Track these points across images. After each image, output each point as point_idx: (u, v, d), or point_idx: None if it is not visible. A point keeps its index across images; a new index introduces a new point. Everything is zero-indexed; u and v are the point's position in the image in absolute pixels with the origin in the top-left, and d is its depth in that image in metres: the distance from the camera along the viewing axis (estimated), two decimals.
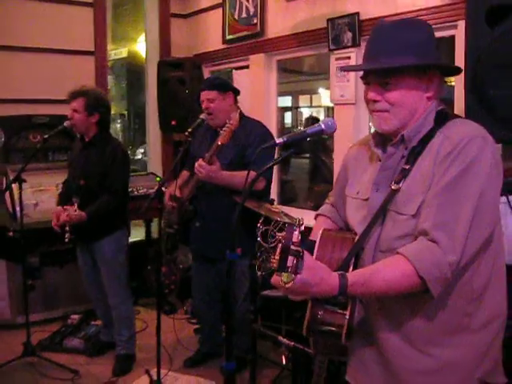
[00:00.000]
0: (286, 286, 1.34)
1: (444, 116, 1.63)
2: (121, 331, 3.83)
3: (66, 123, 3.65)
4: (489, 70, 2.21)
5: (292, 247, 1.33)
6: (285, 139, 1.68)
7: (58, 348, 4.07)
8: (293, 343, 2.93)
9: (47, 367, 3.74)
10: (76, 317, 4.41)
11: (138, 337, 4.05)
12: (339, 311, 1.54)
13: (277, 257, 1.34)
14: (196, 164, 3.29)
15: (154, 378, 3.38)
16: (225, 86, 3.57)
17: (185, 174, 3.78)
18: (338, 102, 4.15)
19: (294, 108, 20.12)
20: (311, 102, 19.23)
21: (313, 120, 8.68)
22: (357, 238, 1.65)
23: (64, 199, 3.71)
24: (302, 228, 1.37)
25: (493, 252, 1.58)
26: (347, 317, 1.53)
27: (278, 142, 1.70)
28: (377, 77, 1.60)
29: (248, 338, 3.23)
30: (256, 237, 3.25)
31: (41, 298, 4.50)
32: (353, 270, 1.58)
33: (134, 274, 4.63)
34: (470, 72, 2.27)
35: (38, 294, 4.47)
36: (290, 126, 16.83)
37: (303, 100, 20.31)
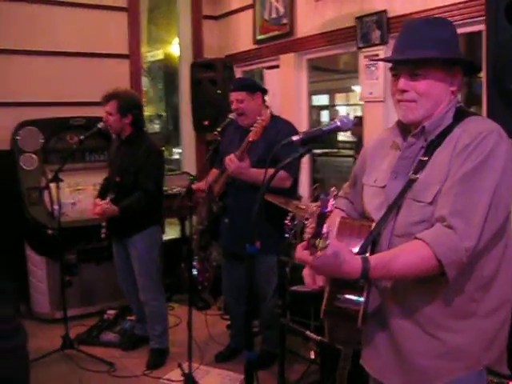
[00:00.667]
0: (319, 253, 1.37)
1: (462, 113, 1.70)
2: (154, 326, 3.94)
3: (99, 125, 3.80)
4: (508, 65, 2.22)
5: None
6: (301, 136, 1.75)
7: (95, 342, 4.20)
8: (320, 338, 2.97)
9: (84, 360, 3.88)
10: (112, 312, 4.53)
11: (172, 332, 4.14)
12: (356, 295, 1.60)
13: (312, 224, 1.37)
14: (227, 158, 3.37)
15: (186, 371, 3.47)
16: (253, 87, 3.63)
17: (214, 172, 3.85)
18: (368, 100, 4.18)
19: (331, 106, 20.01)
20: (348, 100, 19.12)
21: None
22: (374, 224, 1.70)
23: (102, 194, 3.86)
24: (334, 202, 1.39)
25: (504, 242, 1.64)
26: (364, 300, 1.59)
27: (294, 139, 1.76)
28: (406, 68, 1.67)
29: (277, 333, 3.29)
30: (284, 233, 3.33)
31: (78, 293, 4.63)
32: (370, 255, 1.62)
33: (168, 271, 4.74)
34: (491, 67, 2.28)
35: (76, 290, 4.60)
36: None
37: (340, 98, 20.19)
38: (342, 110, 19.12)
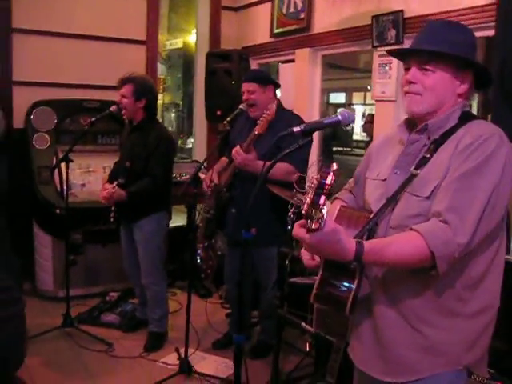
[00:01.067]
0: (313, 226, 1.37)
1: (468, 116, 1.72)
2: (154, 310, 3.98)
3: (112, 108, 3.86)
4: None
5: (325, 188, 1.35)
6: (302, 128, 1.78)
7: (95, 321, 4.26)
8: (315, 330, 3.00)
9: (84, 338, 3.95)
10: (114, 294, 4.59)
11: (172, 317, 4.19)
12: (348, 281, 1.62)
13: (311, 195, 1.37)
14: (233, 150, 3.41)
15: (183, 355, 3.52)
16: (265, 79, 3.66)
17: (224, 160, 3.89)
18: (379, 99, 4.19)
19: (348, 105, 19.97)
20: (365, 99, 19.09)
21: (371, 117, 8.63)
22: (372, 215, 1.72)
23: (112, 179, 3.91)
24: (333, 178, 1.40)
25: (495, 245, 1.66)
26: (354, 287, 1.61)
27: (295, 130, 1.79)
28: (418, 61, 1.70)
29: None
30: (286, 225, 3.35)
31: (82, 274, 4.69)
32: None
33: (173, 257, 4.79)
34: (498, 71, 2.29)
35: (80, 270, 4.66)
36: None
37: (357, 97, 20.16)
38: (359, 109, 19.10)
